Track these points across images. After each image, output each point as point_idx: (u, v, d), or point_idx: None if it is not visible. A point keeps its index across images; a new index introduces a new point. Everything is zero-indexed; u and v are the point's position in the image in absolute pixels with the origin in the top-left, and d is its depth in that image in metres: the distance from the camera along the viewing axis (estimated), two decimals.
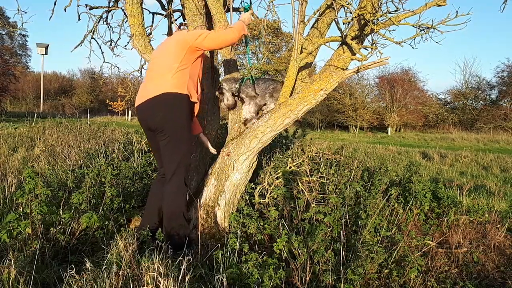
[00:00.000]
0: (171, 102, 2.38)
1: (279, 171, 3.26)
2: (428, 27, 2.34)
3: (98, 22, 3.74)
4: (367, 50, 2.51)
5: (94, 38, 3.80)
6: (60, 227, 2.48)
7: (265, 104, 2.87)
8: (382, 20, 2.41)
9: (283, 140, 4.78)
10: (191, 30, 2.67)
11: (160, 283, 1.60)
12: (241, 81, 2.89)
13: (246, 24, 2.69)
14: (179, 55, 2.42)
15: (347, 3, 2.36)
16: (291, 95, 2.67)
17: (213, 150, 2.88)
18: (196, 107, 2.58)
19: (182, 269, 1.69)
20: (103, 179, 3.23)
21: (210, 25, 3.30)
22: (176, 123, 2.39)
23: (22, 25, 3.02)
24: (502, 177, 6.70)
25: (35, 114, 11.18)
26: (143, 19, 3.11)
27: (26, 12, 2.82)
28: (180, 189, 2.45)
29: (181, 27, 3.72)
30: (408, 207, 3.29)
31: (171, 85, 2.38)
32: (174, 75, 2.39)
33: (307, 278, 2.08)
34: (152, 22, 3.87)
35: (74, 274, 1.69)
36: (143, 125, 2.53)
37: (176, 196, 2.43)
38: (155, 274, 1.67)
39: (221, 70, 3.56)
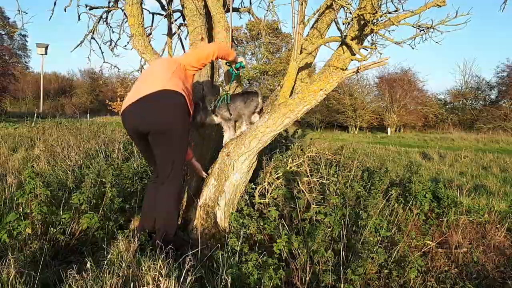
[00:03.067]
0: (169, 100, 2.28)
1: (279, 171, 3.26)
2: (428, 27, 2.34)
3: (98, 22, 3.74)
4: (367, 50, 2.51)
5: (94, 38, 3.81)
6: (60, 227, 2.48)
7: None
8: (381, 20, 2.41)
9: (283, 140, 4.78)
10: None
11: (161, 283, 1.60)
12: (218, 100, 2.79)
13: (233, 56, 2.69)
14: (171, 68, 2.41)
15: (347, 3, 2.36)
16: (290, 95, 2.67)
17: (204, 175, 2.87)
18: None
19: (185, 270, 1.69)
20: (103, 179, 3.23)
21: (210, 25, 3.30)
22: (173, 122, 2.30)
23: (22, 26, 3.02)
24: (501, 177, 6.70)
25: (35, 114, 11.17)
26: (143, 19, 3.11)
27: (26, 13, 2.82)
28: (176, 189, 2.43)
29: (180, 27, 3.72)
30: (408, 207, 3.29)
31: (170, 84, 2.30)
32: (172, 78, 2.34)
33: (307, 278, 2.08)
34: (152, 22, 3.87)
35: (75, 274, 1.69)
36: (131, 127, 2.36)
37: (173, 197, 2.42)
38: (156, 274, 1.67)
39: (221, 70, 3.57)
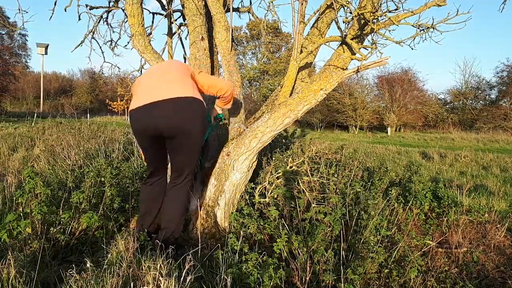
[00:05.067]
0: (199, 108, 2.32)
1: (279, 170, 3.26)
2: (428, 27, 2.34)
3: (99, 22, 3.74)
4: (367, 49, 2.51)
5: (94, 38, 3.80)
6: (60, 227, 2.48)
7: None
8: (382, 19, 2.41)
9: (283, 140, 4.78)
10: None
11: (161, 283, 1.60)
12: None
13: (229, 106, 2.78)
14: (188, 74, 2.46)
15: (347, 2, 2.36)
16: (291, 95, 2.67)
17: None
18: None
19: (185, 270, 1.69)
20: (103, 179, 3.23)
21: (210, 25, 3.30)
22: (200, 131, 2.36)
23: (23, 25, 3.01)
24: (502, 177, 6.70)
25: (35, 114, 11.17)
26: (143, 19, 3.11)
27: (27, 12, 2.82)
28: (187, 194, 2.50)
29: (181, 27, 3.72)
30: (408, 207, 3.29)
31: (196, 93, 2.35)
32: (193, 85, 2.39)
33: (307, 278, 2.08)
34: (152, 22, 3.87)
35: (75, 274, 1.69)
36: (148, 127, 2.25)
37: (184, 201, 2.48)
38: (156, 274, 1.67)
39: (221, 70, 3.57)
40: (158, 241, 2.19)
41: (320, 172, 3.36)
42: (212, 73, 3.41)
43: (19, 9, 2.77)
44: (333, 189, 3.21)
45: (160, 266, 1.73)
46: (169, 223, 2.41)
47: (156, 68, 2.57)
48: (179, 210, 2.44)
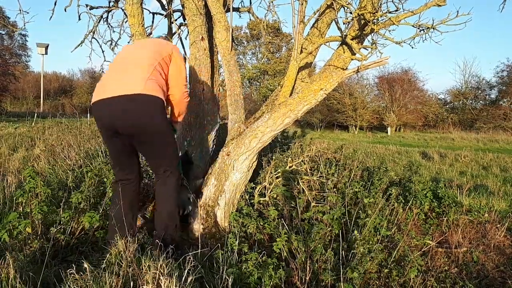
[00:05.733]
0: (148, 105, 2.13)
1: (279, 170, 3.27)
2: (428, 27, 2.34)
3: (99, 22, 3.74)
4: (367, 50, 2.51)
5: (94, 38, 3.81)
6: (60, 226, 2.48)
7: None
8: (382, 20, 2.41)
9: (283, 140, 4.78)
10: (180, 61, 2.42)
11: (162, 282, 1.60)
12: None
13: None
14: (157, 57, 2.26)
15: (347, 3, 2.36)
16: (291, 94, 2.67)
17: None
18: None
19: (185, 270, 1.69)
20: (105, 179, 3.23)
21: (210, 25, 3.30)
22: (158, 124, 2.18)
23: (24, 25, 3.01)
24: (502, 177, 6.70)
25: (35, 114, 11.17)
26: (143, 19, 3.11)
27: (28, 12, 2.82)
28: (176, 188, 2.39)
29: (181, 27, 3.72)
30: (408, 206, 3.29)
31: (148, 86, 2.12)
32: (152, 75, 2.17)
33: (307, 278, 2.08)
34: (152, 22, 3.87)
35: (74, 274, 1.69)
36: (105, 124, 2.17)
37: (173, 196, 2.37)
38: (157, 273, 1.67)
39: (221, 70, 3.57)
40: (158, 241, 2.17)
41: (320, 172, 3.36)
42: (212, 73, 3.42)
43: (20, 10, 2.77)
44: (332, 188, 3.21)
45: (161, 265, 1.73)
46: (160, 222, 2.32)
47: (126, 50, 2.41)
48: (166, 208, 2.34)
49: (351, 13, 2.40)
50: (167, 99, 2.39)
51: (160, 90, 2.19)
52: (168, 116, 2.52)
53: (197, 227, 2.71)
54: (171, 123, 2.55)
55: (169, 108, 2.54)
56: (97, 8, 3.65)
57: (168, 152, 2.35)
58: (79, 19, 3.61)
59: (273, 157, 3.48)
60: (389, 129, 25.95)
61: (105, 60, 4.24)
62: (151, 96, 2.13)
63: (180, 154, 2.89)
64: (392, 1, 2.39)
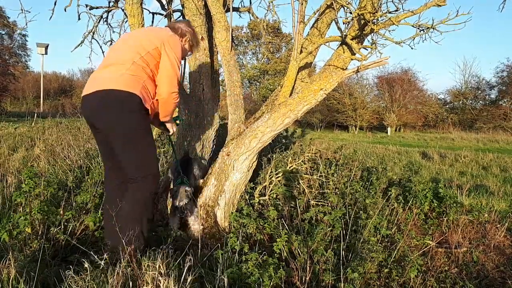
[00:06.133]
0: (116, 103, 2.02)
1: (279, 170, 3.26)
2: (428, 27, 2.34)
3: (98, 22, 3.74)
4: (367, 50, 2.51)
5: (94, 38, 3.81)
6: (60, 226, 2.48)
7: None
8: (382, 20, 2.41)
9: (283, 140, 4.78)
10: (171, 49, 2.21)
11: (160, 282, 1.60)
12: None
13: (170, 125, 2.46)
14: (142, 51, 2.13)
15: (347, 3, 2.36)
16: (291, 95, 2.67)
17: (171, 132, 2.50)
18: (153, 112, 2.26)
19: (185, 270, 1.69)
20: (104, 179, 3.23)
21: (210, 25, 3.30)
22: (123, 128, 2.05)
23: (26, 25, 3.01)
24: (501, 177, 6.70)
25: (35, 114, 11.16)
26: (143, 19, 3.11)
27: (29, 11, 2.82)
28: (143, 198, 2.13)
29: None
30: (408, 206, 3.29)
31: (120, 81, 2.03)
32: (130, 68, 2.07)
33: (307, 278, 2.08)
34: (152, 22, 3.88)
35: (74, 274, 1.69)
36: (87, 121, 2.18)
37: (138, 205, 2.11)
38: (156, 273, 1.67)
39: (221, 70, 3.57)
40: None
41: (320, 172, 3.36)
42: (212, 73, 3.42)
43: (22, 9, 2.77)
44: (333, 188, 3.21)
45: (160, 266, 1.73)
46: (111, 239, 2.10)
47: (115, 44, 2.37)
48: (127, 215, 2.07)
49: (351, 13, 2.40)
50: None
51: (138, 86, 2.06)
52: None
53: (197, 227, 2.71)
54: (163, 123, 2.43)
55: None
56: (97, 8, 3.65)
57: (136, 157, 2.11)
58: (79, 19, 3.62)
59: (273, 157, 3.47)
60: (389, 129, 25.96)
61: None
62: (123, 91, 2.01)
63: (177, 158, 2.87)
64: (392, 1, 2.39)
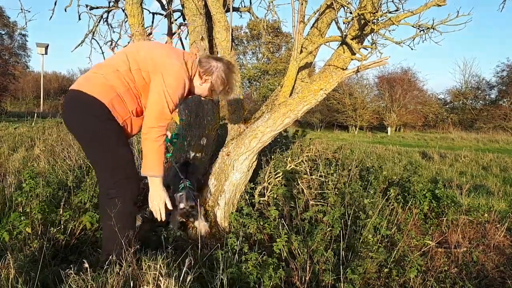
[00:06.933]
0: (85, 106, 1.90)
1: (279, 170, 3.27)
2: (428, 28, 2.34)
3: (99, 22, 3.74)
4: (367, 50, 2.51)
5: (94, 38, 3.80)
6: (59, 226, 2.48)
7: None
8: (382, 20, 2.41)
9: (283, 140, 4.78)
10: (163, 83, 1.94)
11: (161, 282, 1.60)
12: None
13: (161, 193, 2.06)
14: (135, 64, 1.98)
15: (347, 2, 2.36)
16: (291, 95, 2.68)
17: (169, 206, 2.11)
18: (130, 129, 2.06)
19: (184, 269, 1.69)
20: None
21: (210, 25, 3.30)
22: (89, 129, 1.92)
23: (26, 24, 3.01)
24: (501, 177, 6.70)
25: (35, 114, 11.16)
26: (143, 19, 3.11)
27: (29, 11, 2.82)
28: (123, 208, 1.95)
29: (181, 27, 3.72)
30: (407, 206, 3.29)
31: (95, 87, 1.91)
32: (109, 75, 1.94)
33: (307, 278, 2.08)
34: (152, 22, 3.87)
35: (74, 274, 1.69)
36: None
37: (117, 217, 1.92)
38: (156, 273, 1.67)
39: None
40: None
41: (320, 172, 3.36)
42: None
43: (22, 9, 2.77)
44: (332, 188, 3.21)
45: (160, 266, 1.73)
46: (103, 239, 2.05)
47: (128, 46, 2.35)
48: (108, 226, 1.93)
49: (351, 13, 2.40)
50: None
51: (108, 96, 1.90)
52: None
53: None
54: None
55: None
56: (97, 8, 3.64)
57: (105, 161, 1.96)
58: (79, 19, 3.61)
59: (273, 157, 3.47)
60: (389, 129, 25.97)
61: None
62: (91, 96, 1.88)
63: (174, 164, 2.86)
64: (392, 1, 2.39)
